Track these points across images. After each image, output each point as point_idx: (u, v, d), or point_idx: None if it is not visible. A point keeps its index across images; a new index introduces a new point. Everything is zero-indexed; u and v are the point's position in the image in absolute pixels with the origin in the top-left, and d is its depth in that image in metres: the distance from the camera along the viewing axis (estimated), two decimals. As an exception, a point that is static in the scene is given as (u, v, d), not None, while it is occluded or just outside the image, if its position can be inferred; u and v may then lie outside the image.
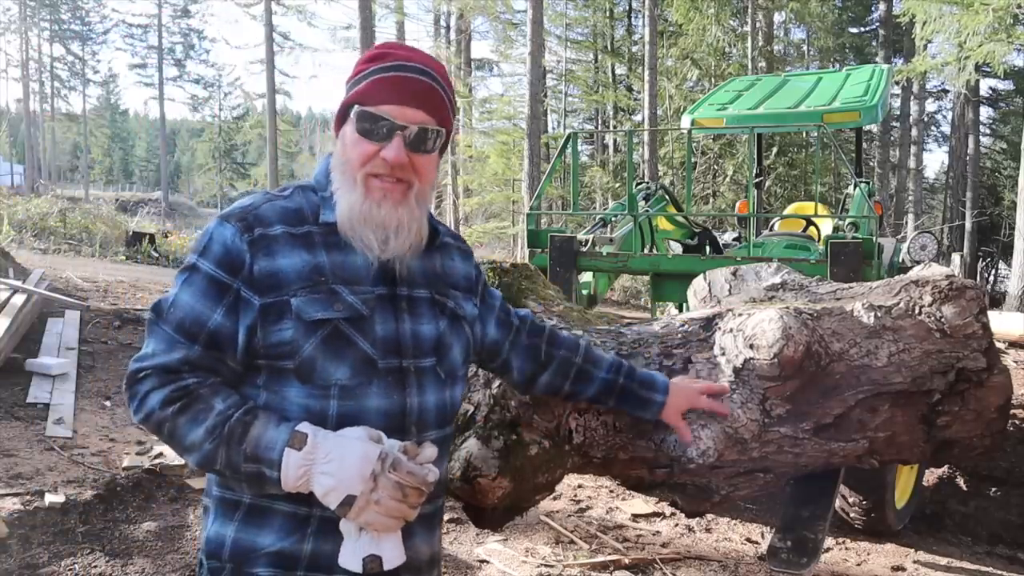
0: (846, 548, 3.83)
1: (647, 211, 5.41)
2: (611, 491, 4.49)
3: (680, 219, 5.87)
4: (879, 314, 2.26)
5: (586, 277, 4.92)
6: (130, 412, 1.24)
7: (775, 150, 17.21)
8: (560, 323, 2.44)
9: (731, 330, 2.14)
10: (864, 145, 9.30)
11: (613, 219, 5.30)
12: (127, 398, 1.24)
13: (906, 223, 20.95)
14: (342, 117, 1.31)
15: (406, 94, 1.26)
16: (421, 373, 1.30)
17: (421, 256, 1.34)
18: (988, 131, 26.22)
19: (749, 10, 18.85)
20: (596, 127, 25.58)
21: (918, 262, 4.88)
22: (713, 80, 18.15)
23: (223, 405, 1.18)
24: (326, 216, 1.29)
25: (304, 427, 1.16)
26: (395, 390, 1.26)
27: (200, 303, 1.22)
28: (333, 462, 1.13)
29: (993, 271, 23.33)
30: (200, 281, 1.23)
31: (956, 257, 11.77)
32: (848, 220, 4.97)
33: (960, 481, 4.79)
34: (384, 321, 1.27)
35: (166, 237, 18.52)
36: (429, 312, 1.34)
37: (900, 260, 5.50)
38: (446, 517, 3.94)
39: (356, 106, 1.27)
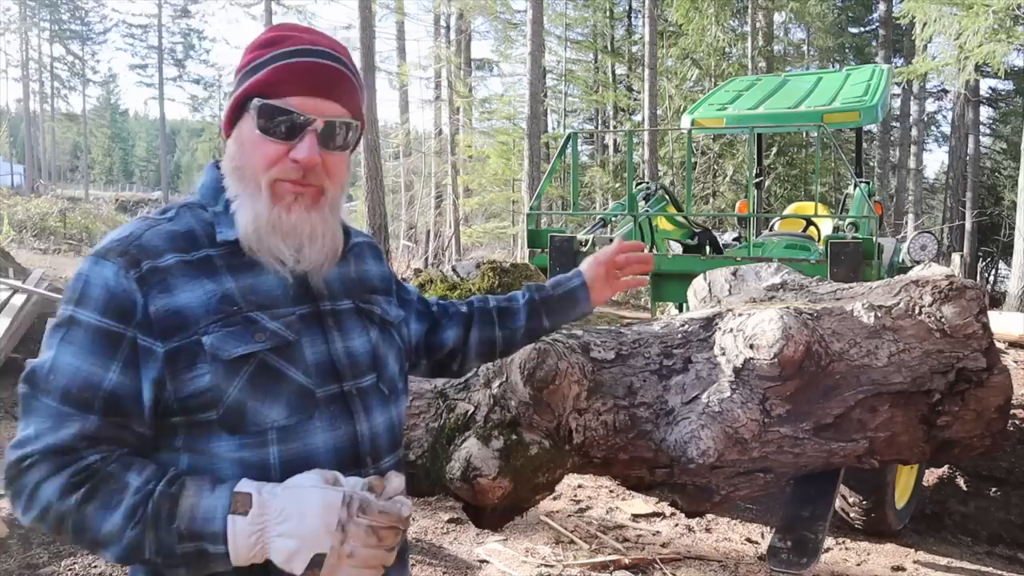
0: (846, 548, 3.83)
1: (647, 211, 5.41)
2: (611, 491, 4.49)
3: (680, 219, 5.87)
4: (879, 314, 2.26)
5: (586, 277, 4.91)
6: (18, 511, 1.00)
7: (775, 150, 17.21)
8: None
9: (731, 330, 2.14)
10: (864, 145, 9.30)
11: (613, 219, 5.30)
12: (10, 496, 0.99)
13: (906, 223, 20.95)
14: (236, 113, 1.12)
15: (316, 83, 1.08)
16: (364, 394, 1.16)
17: (336, 263, 1.19)
18: (988, 131, 26.22)
19: (749, 10, 18.84)
20: (596, 127, 25.58)
21: (918, 262, 4.88)
22: (713, 80, 18.15)
23: (140, 480, 0.98)
24: (224, 234, 1.10)
25: (245, 486, 0.98)
26: (341, 420, 1.11)
27: (88, 362, 1.00)
28: (290, 520, 0.95)
29: (993, 271, 23.34)
30: (83, 336, 1.01)
31: (956, 257, 11.79)
32: (848, 220, 4.97)
33: (960, 481, 4.79)
34: (313, 344, 1.11)
35: (166, 237, 18.47)
36: (357, 324, 1.19)
37: (900, 260, 5.51)
38: (446, 517, 3.95)
39: (256, 99, 1.08)
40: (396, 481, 1.04)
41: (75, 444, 0.98)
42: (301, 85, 1.07)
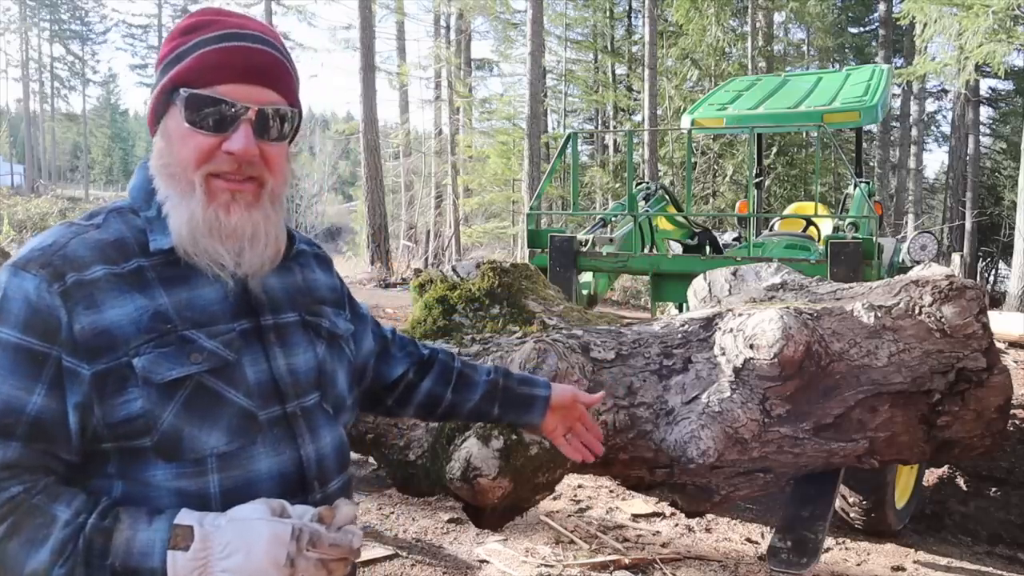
0: (846, 548, 3.83)
1: (647, 211, 5.41)
2: (611, 491, 4.49)
3: (680, 219, 5.88)
4: (879, 314, 2.26)
5: (586, 277, 4.92)
6: None
7: (775, 150, 17.21)
8: (560, 323, 2.45)
9: (731, 330, 2.14)
10: (864, 145, 9.31)
11: (613, 219, 5.30)
12: None
13: (906, 223, 20.96)
14: (161, 107, 1.03)
15: (246, 69, 1.00)
16: (309, 415, 1.08)
17: (277, 271, 1.11)
18: (988, 131, 26.23)
19: (749, 10, 18.85)
20: (596, 127, 25.59)
21: (918, 262, 4.88)
22: (713, 80, 18.15)
23: (69, 512, 0.90)
24: (157, 242, 1.01)
25: (186, 517, 0.91)
26: (284, 443, 1.04)
27: (8, 384, 0.91)
28: (236, 555, 0.88)
29: (993, 271, 23.34)
30: (2, 356, 0.92)
31: (956, 257, 11.78)
32: (848, 220, 4.97)
33: (960, 481, 4.79)
34: (255, 362, 1.03)
35: (166, 237, 18.52)
36: (303, 339, 1.11)
37: (900, 260, 5.51)
38: (446, 517, 3.95)
39: (182, 90, 0.99)
40: (345, 509, 0.99)
41: None
42: (230, 72, 0.99)
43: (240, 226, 1.01)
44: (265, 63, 1.02)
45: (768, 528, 4.00)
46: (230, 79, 0.99)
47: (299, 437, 1.06)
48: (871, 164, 21.40)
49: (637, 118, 22.50)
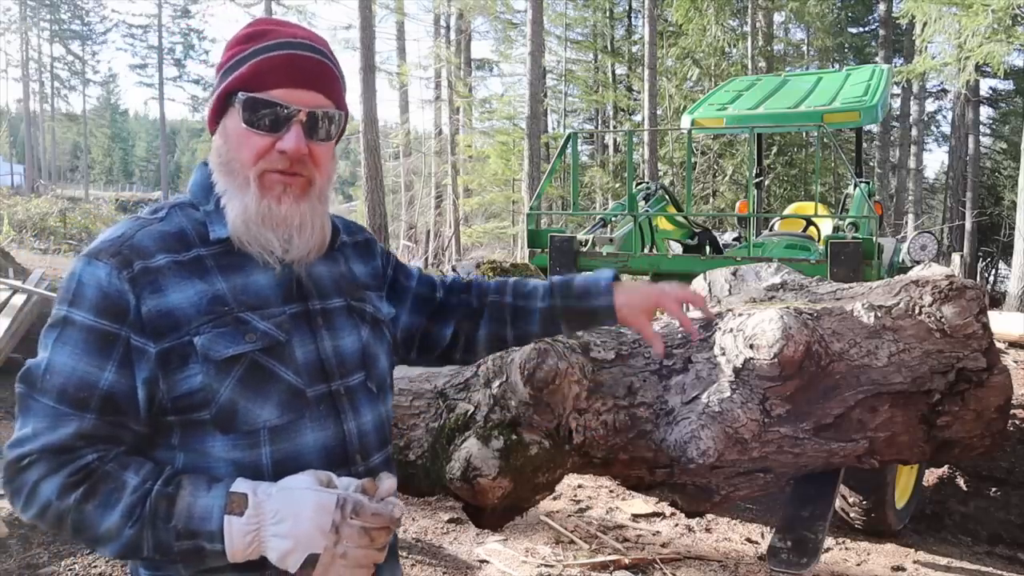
0: (846, 548, 3.83)
1: (647, 211, 5.41)
2: (611, 491, 4.49)
3: (680, 219, 5.87)
4: (879, 314, 2.26)
5: (586, 277, 4.92)
6: (17, 509, 1.02)
7: (775, 150, 17.21)
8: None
9: (731, 330, 2.14)
10: (864, 145, 9.30)
11: (613, 219, 5.30)
12: (9, 494, 1.01)
13: (906, 223, 20.95)
14: (220, 109, 1.12)
15: (298, 75, 1.09)
16: (352, 394, 1.16)
17: (325, 261, 1.20)
18: (988, 131, 26.22)
19: (749, 10, 18.85)
20: (596, 127, 25.59)
21: (918, 262, 4.88)
22: (713, 80, 18.15)
23: (137, 479, 1.00)
24: (216, 232, 1.11)
25: (241, 486, 1.00)
26: (329, 419, 1.12)
27: (84, 362, 1.01)
28: (286, 521, 0.97)
29: (993, 271, 23.33)
30: (78, 336, 1.02)
31: (956, 257, 11.78)
32: (848, 220, 4.97)
33: (960, 481, 4.79)
34: (303, 343, 1.12)
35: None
36: (348, 323, 1.19)
37: (900, 260, 5.50)
38: (446, 517, 3.95)
39: (240, 93, 1.08)
40: (388, 482, 1.06)
41: (72, 443, 1.00)
42: (283, 77, 1.08)
43: (289, 215, 1.10)
44: (315, 69, 1.11)
45: (768, 528, 4.00)
46: (283, 84, 1.08)
47: (343, 413, 1.14)
48: (871, 164, 21.40)
49: (637, 118, 22.50)
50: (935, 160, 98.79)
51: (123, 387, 1.02)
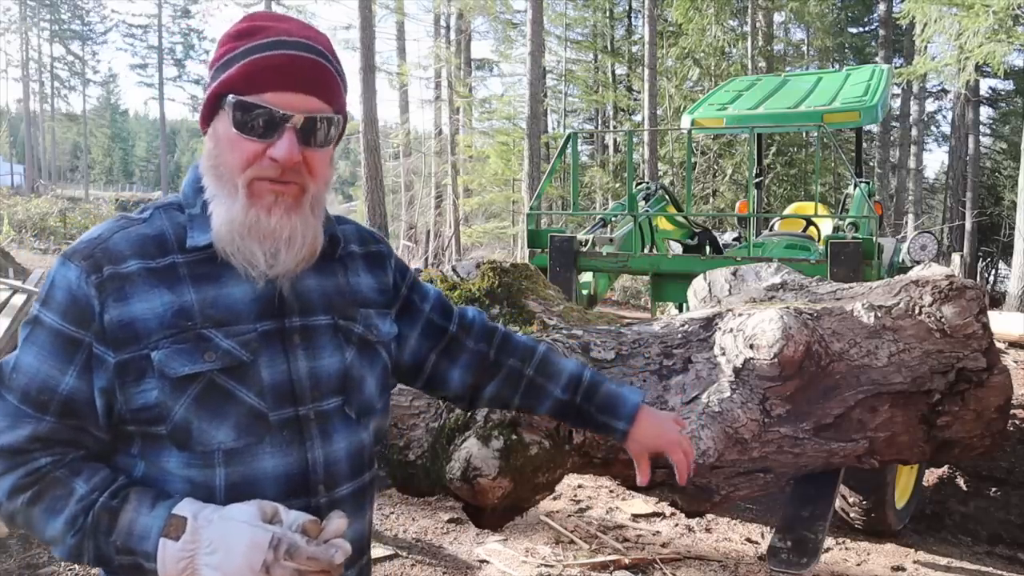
0: (846, 548, 3.83)
1: (647, 211, 5.41)
2: (611, 491, 4.49)
3: (680, 219, 5.87)
4: (879, 314, 2.26)
5: (586, 277, 4.92)
6: None
7: (774, 150, 17.21)
8: (560, 323, 2.45)
9: (731, 330, 2.14)
10: (864, 145, 9.31)
11: (613, 219, 5.30)
12: None
13: (906, 223, 20.95)
14: (212, 109, 1.06)
15: (292, 77, 1.02)
16: (324, 418, 1.10)
17: (318, 273, 1.12)
18: (988, 131, 26.22)
19: (749, 10, 18.84)
20: (596, 127, 25.59)
21: (918, 262, 4.88)
22: (713, 80, 18.15)
23: (85, 488, 0.98)
24: (194, 239, 1.05)
25: (183, 508, 0.97)
26: (292, 445, 1.06)
27: (47, 365, 1.00)
28: (217, 553, 0.93)
29: (993, 271, 23.33)
30: (44, 337, 1.01)
31: (956, 257, 11.78)
32: (848, 220, 4.97)
33: (960, 481, 4.79)
34: (272, 364, 1.05)
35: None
36: (331, 343, 1.12)
37: (900, 260, 5.51)
38: (446, 517, 3.95)
39: (230, 95, 1.02)
40: (336, 523, 1.00)
41: (27, 446, 0.99)
42: (277, 80, 1.02)
43: (279, 228, 1.03)
44: (311, 71, 1.04)
45: (768, 528, 4.00)
46: (276, 87, 1.02)
47: (309, 440, 1.08)
48: (871, 164, 21.40)
49: (637, 118, 22.50)
50: (935, 160, 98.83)
51: (83, 393, 1.00)
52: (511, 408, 1.43)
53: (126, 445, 1.04)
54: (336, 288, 1.15)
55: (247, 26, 1.06)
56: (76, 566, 3.30)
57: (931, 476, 4.76)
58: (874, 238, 4.35)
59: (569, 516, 4.10)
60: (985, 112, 25.19)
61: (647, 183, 6.09)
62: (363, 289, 1.20)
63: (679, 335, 2.24)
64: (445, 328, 1.33)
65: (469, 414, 1.94)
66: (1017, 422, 5.48)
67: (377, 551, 3.48)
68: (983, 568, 3.75)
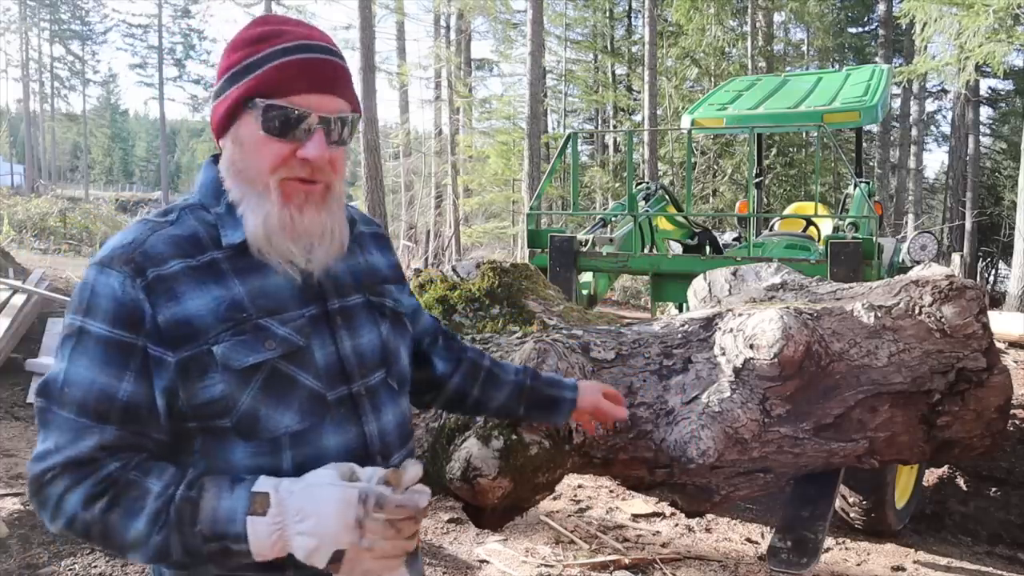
0: (846, 548, 3.83)
1: (647, 211, 5.41)
2: (611, 491, 4.49)
3: (680, 219, 5.87)
4: (879, 314, 2.26)
5: (586, 277, 4.92)
6: (45, 522, 1.02)
7: (774, 150, 17.21)
8: (560, 323, 2.45)
9: (731, 330, 2.14)
10: (864, 145, 9.30)
11: (613, 219, 5.30)
12: (36, 506, 1.02)
13: (906, 223, 20.95)
14: (232, 114, 1.08)
15: (318, 80, 1.06)
16: (373, 393, 1.15)
17: (343, 256, 1.17)
18: (988, 131, 26.22)
19: (749, 10, 18.85)
20: (596, 127, 25.59)
21: (918, 262, 4.88)
22: (713, 80, 18.15)
23: (160, 484, 0.99)
24: (228, 237, 1.08)
25: (263, 485, 0.99)
26: (350, 421, 1.12)
27: (103, 374, 1.00)
28: (309, 519, 0.96)
29: (993, 271, 23.34)
30: (95, 347, 1.01)
31: (956, 257, 11.78)
32: (848, 220, 4.97)
33: (960, 481, 4.79)
34: (323, 346, 1.11)
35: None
36: (367, 320, 1.18)
37: (900, 260, 5.51)
38: (446, 517, 3.95)
39: (257, 99, 1.05)
40: (412, 471, 1.03)
41: (94, 455, 0.99)
42: (303, 83, 1.05)
43: (312, 225, 1.08)
44: (333, 73, 1.08)
45: (768, 528, 4.00)
46: (303, 89, 1.05)
47: (364, 415, 1.13)
48: (871, 164, 21.39)
49: (637, 118, 22.50)
50: (935, 160, 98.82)
51: (142, 397, 1.02)
52: (466, 403, 1.47)
53: (187, 443, 1.06)
54: (359, 267, 1.21)
55: (264, 30, 1.09)
56: (76, 567, 3.30)
57: (931, 476, 4.76)
58: (874, 238, 4.35)
59: (569, 516, 4.10)
60: (985, 112, 25.21)
61: (647, 183, 6.09)
62: (379, 266, 1.27)
63: (679, 335, 2.24)
64: (436, 323, 1.47)
65: (469, 414, 1.94)
66: (1017, 422, 5.48)
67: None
68: (983, 568, 3.75)
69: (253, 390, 1.04)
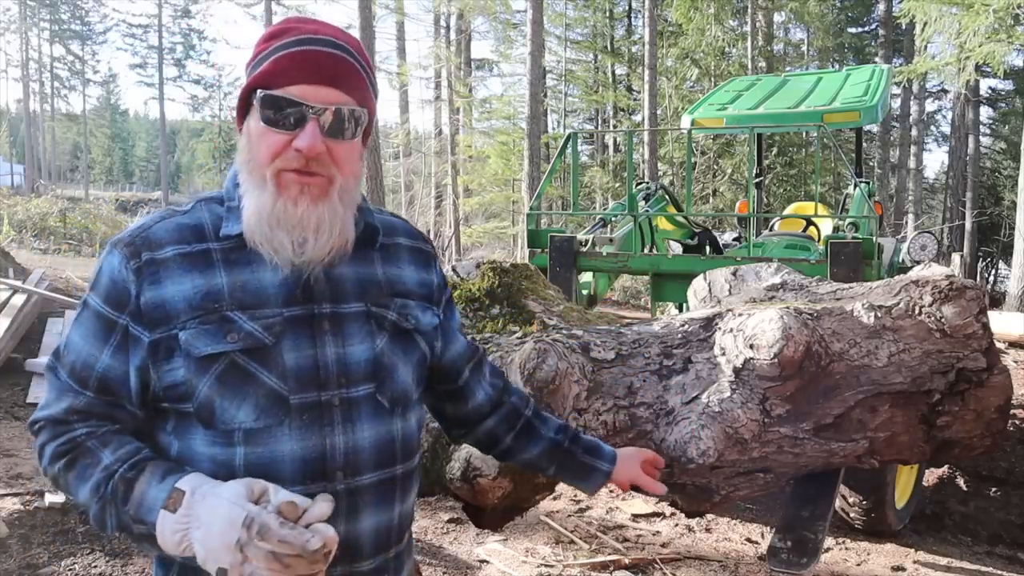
0: (846, 548, 3.83)
1: (647, 211, 5.41)
2: (611, 491, 4.49)
3: (680, 219, 5.87)
4: (879, 314, 2.26)
5: (586, 277, 4.92)
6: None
7: (775, 150, 17.21)
8: (560, 323, 2.45)
9: (731, 330, 2.14)
10: (864, 145, 9.30)
11: (613, 219, 5.30)
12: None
13: (906, 223, 20.94)
14: (245, 106, 1.12)
15: (316, 71, 1.07)
16: (352, 405, 1.11)
17: (354, 262, 1.16)
18: (988, 131, 26.22)
19: (749, 10, 18.85)
20: (596, 127, 25.59)
21: (918, 262, 4.88)
22: (713, 80, 18.15)
23: (111, 458, 1.04)
24: (228, 228, 1.10)
25: (185, 483, 0.99)
26: (311, 430, 1.08)
27: (88, 344, 1.08)
28: (202, 527, 0.95)
29: (993, 271, 23.33)
30: (89, 319, 1.10)
31: (956, 257, 11.77)
32: (848, 220, 4.97)
33: (960, 481, 4.79)
34: (298, 348, 1.08)
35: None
36: (362, 329, 1.14)
37: (900, 260, 5.51)
38: (446, 517, 3.94)
39: (258, 91, 1.07)
40: (318, 508, 0.98)
41: (67, 417, 1.08)
42: (302, 74, 1.06)
43: (305, 217, 1.07)
44: (335, 66, 1.08)
45: (768, 528, 4.00)
46: (301, 81, 1.06)
47: (330, 426, 1.10)
48: (871, 164, 21.40)
49: (637, 118, 22.50)
50: (935, 160, 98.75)
51: (117, 371, 1.08)
52: (497, 446, 1.42)
53: (163, 422, 1.10)
54: (372, 276, 1.18)
55: (277, 28, 1.12)
56: (76, 567, 3.30)
57: (931, 476, 4.76)
58: (874, 238, 4.35)
59: (569, 516, 4.10)
60: (985, 112, 25.20)
61: (647, 183, 6.09)
62: (404, 280, 1.23)
63: (679, 335, 2.24)
64: (476, 346, 1.41)
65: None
66: (1017, 422, 5.48)
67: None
68: (983, 568, 3.75)
69: (210, 380, 1.05)
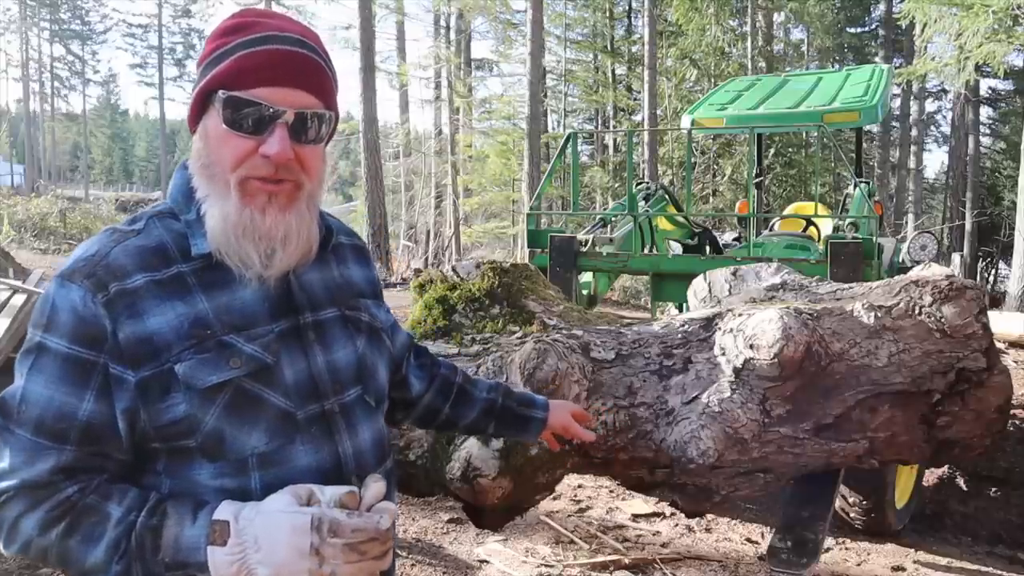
0: (846, 548, 3.83)
1: (647, 211, 5.41)
2: (611, 491, 4.49)
3: (680, 219, 5.88)
4: (879, 314, 2.26)
5: (586, 277, 4.93)
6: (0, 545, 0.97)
7: (774, 150, 17.21)
8: (560, 323, 2.45)
9: (731, 330, 2.14)
10: (864, 145, 9.30)
11: (613, 219, 5.30)
12: None
13: (906, 223, 20.95)
14: (201, 107, 1.03)
15: (284, 72, 1.00)
16: (348, 410, 1.10)
17: (316, 266, 1.12)
18: (988, 131, 26.21)
19: (749, 10, 18.85)
20: (596, 127, 25.58)
21: (918, 262, 4.88)
22: (713, 80, 18.15)
23: (121, 511, 0.94)
24: (197, 247, 1.02)
25: (223, 512, 0.94)
26: (323, 440, 1.06)
27: (61, 392, 0.95)
28: (261, 549, 0.91)
29: (993, 271, 23.32)
30: (53, 364, 0.96)
31: (956, 257, 11.75)
32: (848, 220, 4.97)
33: (960, 481, 4.79)
34: (293, 363, 1.05)
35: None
36: (342, 334, 1.12)
37: (900, 260, 5.51)
38: (446, 517, 3.94)
39: (220, 92, 0.99)
40: (374, 488, 0.98)
41: (51, 478, 0.95)
42: (268, 75, 0.99)
43: (274, 228, 1.01)
44: (303, 66, 1.02)
45: (768, 528, 4.00)
46: (267, 82, 0.99)
47: (337, 434, 1.08)
48: (871, 164, 21.40)
49: (637, 118, 22.50)
50: (935, 160, 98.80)
51: (103, 417, 0.97)
52: (439, 418, 1.44)
53: (151, 463, 1.01)
54: (334, 280, 1.16)
55: (237, 22, 1.04)
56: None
57: (931, 476, 4.76)
58: (874, 238, 4.35)
59: (569, 516, 4.10)
60: (985, 112, 25.20)
61: (647, 183, 6.09)
62: (356, 279, 1.22)
63: (679, 335, 2.24)
64: (412, 339, 1.43)
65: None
66: (1017, 422, 5.48)
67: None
68: (983, 568, 3.75)
69: (217, 410, 0.99)
